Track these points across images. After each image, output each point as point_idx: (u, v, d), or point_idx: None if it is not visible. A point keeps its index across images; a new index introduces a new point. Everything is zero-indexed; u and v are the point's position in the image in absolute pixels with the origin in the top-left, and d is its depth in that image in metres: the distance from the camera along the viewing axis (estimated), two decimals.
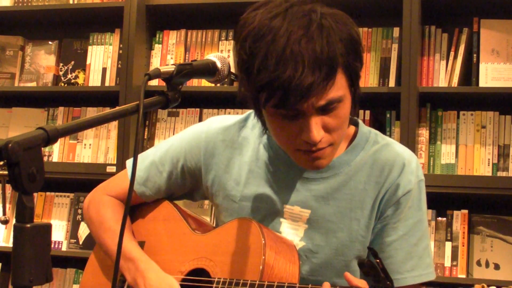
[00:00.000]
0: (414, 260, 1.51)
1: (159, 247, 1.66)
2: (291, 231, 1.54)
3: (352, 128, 1.58)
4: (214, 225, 1.72)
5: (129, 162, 1.73)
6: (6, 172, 1.02)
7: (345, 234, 1.51)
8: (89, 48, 3.41)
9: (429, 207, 2.91)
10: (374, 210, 1.51)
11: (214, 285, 1.48)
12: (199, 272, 1.56)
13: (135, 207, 1.73)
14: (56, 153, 3.41)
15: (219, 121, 1.65)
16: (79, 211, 3.35)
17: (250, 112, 1.63)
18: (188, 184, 1.68)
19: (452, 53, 2.94)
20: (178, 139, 1.67)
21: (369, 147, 1.54)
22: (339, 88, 1.36)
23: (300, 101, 1.31)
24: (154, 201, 1.72)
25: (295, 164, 1.51)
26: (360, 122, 1.59)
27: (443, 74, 2.94)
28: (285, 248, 1.49)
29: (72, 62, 3.48)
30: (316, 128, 1.36)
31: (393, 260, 1.49)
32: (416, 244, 1.51)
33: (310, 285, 1.39)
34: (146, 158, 1.69)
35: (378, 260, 1.26)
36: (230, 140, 1.61)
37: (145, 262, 1.59)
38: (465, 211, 2.89)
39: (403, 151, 1.55)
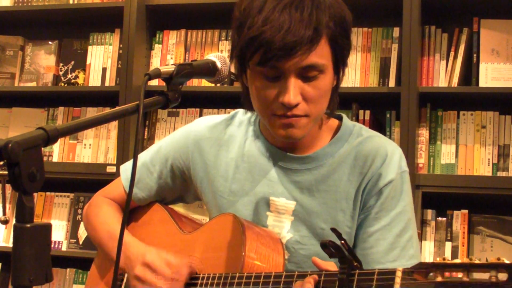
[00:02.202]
0: (396, 251, 1.51)
1: None
2: (278, 224, 1.56)
3: (335, 122, 1.61)
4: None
5: (123, 167, 1.77)
6: (6, 172, 1.02)
7: (331, 225, 1.51)
8: (89, 48, 3.41)
9: (429, 207, 2.94)
10: (358, 200, 1.52)
11: (199, 281, 1.51)
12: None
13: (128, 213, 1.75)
14: (56, 153, 3.41)
15: (207, 120, 1.70)
16: (79, 211, 3.35)
17: (237, 110, 1.69)
18: (178, 185, 1.72)
19: (452, 53, 2.94)
20: (168, 140, 1.73)
21: (353, 140, 1.56)
22: (322, 56, 1.41)
23: (282, 59, 1.37)
24: (145, 205, 1.75)
25: (280, 157, 1.56)
26: (344, 116, 1.62)
27: (443, 74, 2.94)
28: (268, 240, 1.51)
29: (72, 62, 3.48)
30: (294, 91, 1.41)
31: (375, 251, 1.50)
32: (399, 235, 1.51)
33: (284, 273, 1.39)
34: (137, 160, 1.71)
35: (343, 242, 1.25)
36: (217, 137, 1.65)
37: (134, 246, 1.61)
38: (465, 211, 2.89)
39: (386, 142, 1.57)
